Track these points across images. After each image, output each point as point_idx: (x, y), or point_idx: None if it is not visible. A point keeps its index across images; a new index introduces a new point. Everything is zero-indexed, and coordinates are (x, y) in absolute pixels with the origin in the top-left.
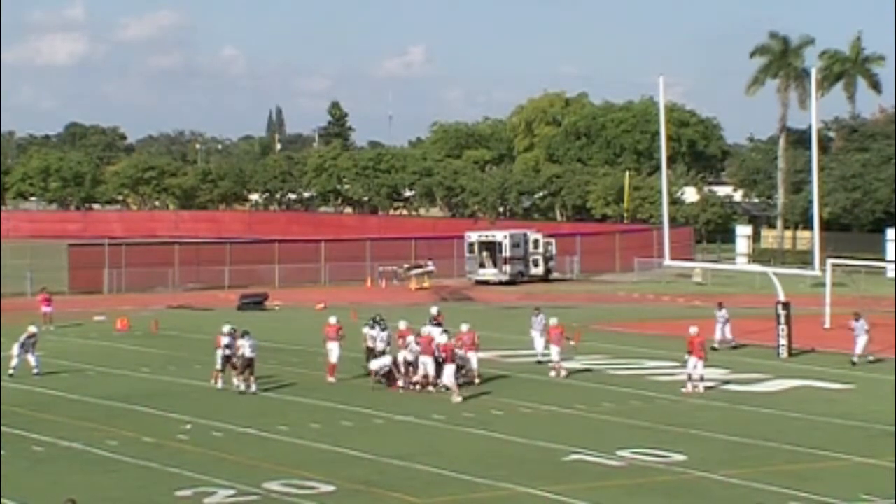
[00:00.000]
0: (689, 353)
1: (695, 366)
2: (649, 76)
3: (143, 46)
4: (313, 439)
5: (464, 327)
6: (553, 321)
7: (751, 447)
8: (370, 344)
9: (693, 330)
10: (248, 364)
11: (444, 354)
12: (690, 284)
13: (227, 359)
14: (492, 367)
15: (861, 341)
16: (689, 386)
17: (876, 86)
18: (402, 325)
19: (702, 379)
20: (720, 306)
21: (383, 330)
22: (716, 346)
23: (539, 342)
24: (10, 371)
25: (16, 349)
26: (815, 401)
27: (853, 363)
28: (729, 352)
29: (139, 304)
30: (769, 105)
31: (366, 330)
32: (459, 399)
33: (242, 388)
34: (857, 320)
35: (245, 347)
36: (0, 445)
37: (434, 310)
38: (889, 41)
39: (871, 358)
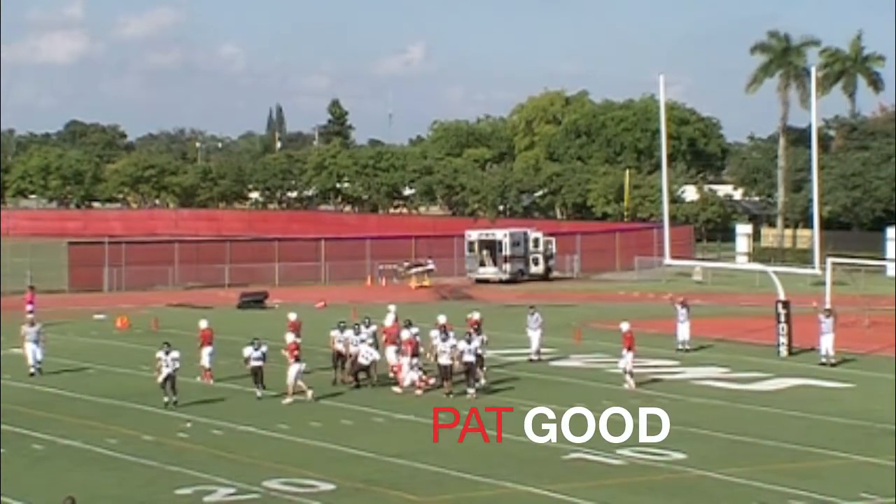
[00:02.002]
0: (628, 348)
1: (629, 360)
2: (649, 74)
3: (142, 44)
4: (313, 438)
5: (441, 318)
6: (476, 315)
7: (750, 446)
8: (340, 347)
9: (625, 326)
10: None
11: (406, 348)
12: (691, 283)
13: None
14: (492, 365)
15: (827, 339)
16: (631, 382)
17: (876, 84)
18: (442, 318)
19: (631, 374)
20: (683, 304)
21: (357, 333)
22: (679, 346)
23: (535, 340)
24: (31, 369)
25: (29, 345)
26: (815, 399)
27: (830, 364)
28: (728, 350)
29: (139, 302)
30: (769, 104)
31: (335, 333)
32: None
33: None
34: (827, 317)
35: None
36: (0, 444)
37: (392, 307)
38: (889, 40)
39: (833, 360)
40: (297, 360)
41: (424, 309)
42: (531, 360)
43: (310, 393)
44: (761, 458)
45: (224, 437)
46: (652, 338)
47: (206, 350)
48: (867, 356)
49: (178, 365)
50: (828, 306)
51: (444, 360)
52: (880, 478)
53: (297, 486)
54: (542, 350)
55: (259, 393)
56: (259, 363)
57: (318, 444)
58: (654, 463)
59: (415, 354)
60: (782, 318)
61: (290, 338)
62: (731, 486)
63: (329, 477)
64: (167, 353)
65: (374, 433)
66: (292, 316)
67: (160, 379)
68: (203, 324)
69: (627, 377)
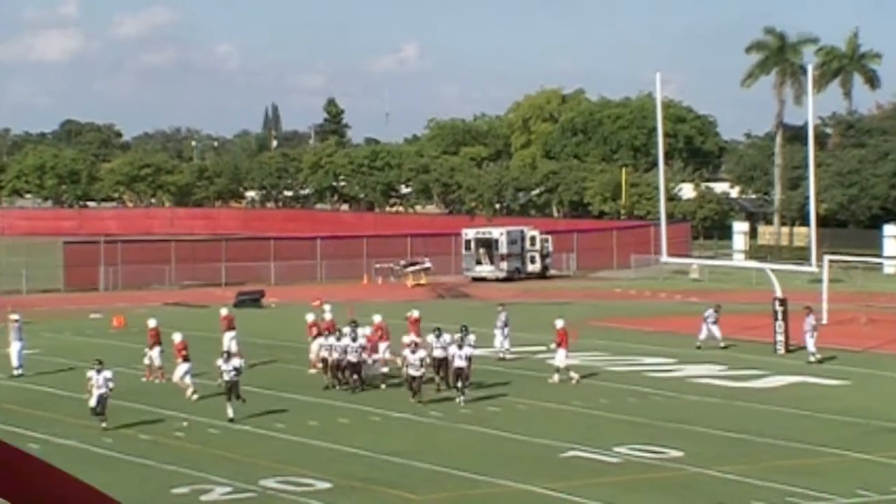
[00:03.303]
0: (559, 344)
1: (564, 356)
2: (646, 73)
3: (137, 43)
4: (310, 436)
5: (376, 318)
6: (415, 313)
7: (747, 443)
8: (325, 354)
9: (559, 323)
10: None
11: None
12: (687, 281)
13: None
14: (489, 363)
15: (808, 338)
16: (556, 377)
17: (872, 82)
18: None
19: (558, 370)
20: (716, 309)
21: (338, 339)
22: (698, 344)
23: (499, 339)
24: (16, 371)
25: (15, 343)
26: (812, 397)
27: (812, 362)
28: (726, 348)
29: (135, 301)
30: (765, 101)
31: (320, 341)
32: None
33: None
34: (807, 315)
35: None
36: None
37: (327, 307)
38: (886, 38)
39: (818, 356)
40: (186, 359)
41: (421, 308)
42: (501, 359)
43: (190, 392)
44: (758, 456)
45: (220, 436)
46: (649, 335)
47: (157, 350)
48: (864, 353)
49: (111, 385)
50: (807, 304)
51: (412, 371)
52: (876, 474)
53: (294, 484)
54: (529, 348)
55: (230, 412)
56: (232, 377)
57: (315, 443)
58: (651, 460)
59: (374, 351)
60: (779, 316)
61: (177, 338)
62: (728, 483)
63: (326, 475)
64: (99, 371)
65: (371, 432)
66: (223, 311)
67: (91, 402)
68: (152, 323)
69: (555, 374)
